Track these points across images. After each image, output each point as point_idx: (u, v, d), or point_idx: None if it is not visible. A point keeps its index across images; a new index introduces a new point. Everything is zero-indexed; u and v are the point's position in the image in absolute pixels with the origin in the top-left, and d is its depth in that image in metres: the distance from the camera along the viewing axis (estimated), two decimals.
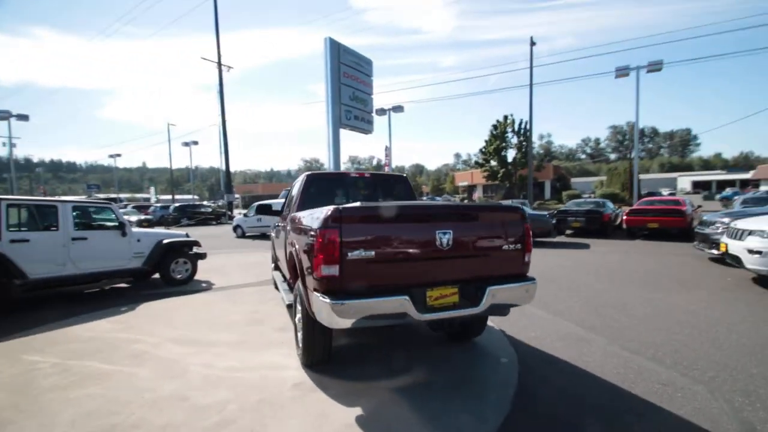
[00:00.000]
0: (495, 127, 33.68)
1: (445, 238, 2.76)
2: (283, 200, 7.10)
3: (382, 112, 22.48)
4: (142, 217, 22.30)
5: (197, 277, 7.42)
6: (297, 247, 3.22)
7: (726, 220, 7.58)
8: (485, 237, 2.95)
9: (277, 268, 6.24)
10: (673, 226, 11.74)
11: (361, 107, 20.74)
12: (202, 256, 7.67)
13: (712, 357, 3.46)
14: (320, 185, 4.61)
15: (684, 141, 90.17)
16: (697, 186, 63.28)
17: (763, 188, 37.41)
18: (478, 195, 43.49)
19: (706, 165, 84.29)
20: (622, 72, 17.24)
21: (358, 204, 2.66)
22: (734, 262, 6.10)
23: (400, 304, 2.59)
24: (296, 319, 3.53)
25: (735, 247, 5.97)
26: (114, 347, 3.92)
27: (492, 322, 4.31)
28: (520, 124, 32.76)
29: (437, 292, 2.78)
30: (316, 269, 2.60)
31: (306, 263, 2.89)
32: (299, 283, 3.30)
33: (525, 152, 32.08)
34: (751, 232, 5.68)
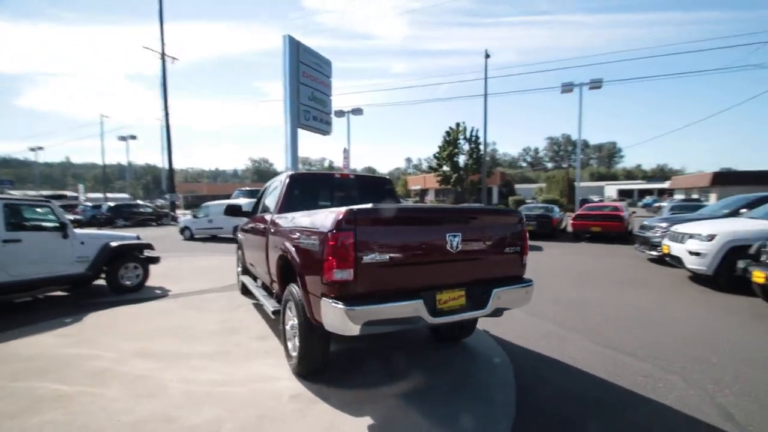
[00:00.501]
0: (448, 133, 34.75)
1: (455, 240, 2.75)
2: (245, 201, 6.70)
3: (340, 113, 22.22)
4: (71, 217, 20.02)
5: (148, 283, 6.76)
6: (293, 250, 3.03)
7: (664, 224, 8.42)
8: (490, 240, 2.98)
9: (246, 272, 5.88)
10: (613, 230, 12.85)
11: (320, 108, 20.42)
12: (155, 260, 7.01)
13: (677, 350, 3.78)
14: (304, 186, 4.41)
15: (611, 153, 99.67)
16: (622, 194, 70.01)
17: (677, 197, 42.36)
18: (430, 198, 44.58)
19: (629, 175, 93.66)
20: (567, 87, 18.73)
21: (370, 205, 2.55)
22: (675, 262, 6.78)
23: (414, 308, 2.53)
24: (287, 326, 3.32)
25: (676, 249, 6.64)
26: (66, 365, 3.43)
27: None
28: (471, 131, 34.13)
29: (446, 295, 2.75)
30: (327, 273, 2.45)
31: (310, 267, 2.72)
32: (293, 288, 3.11)
33: (476, 158, 33.46)
34: (691, 236, 6.36)
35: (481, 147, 34.28)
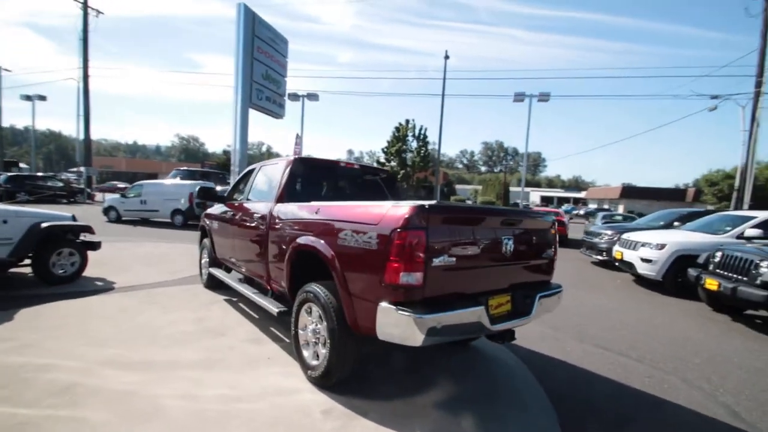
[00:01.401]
0: (397, 129, 34.96)
1: (509, 243, 2.63)
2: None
3: (295, 97, 21.05)
4: None
5: (84, 273, 5.74)
6: (327, 247, 2.68)
7: (609, 232, 9.27)
8: (532, 243, 2.92)
9: (216, 264, 5.25)
10: (559, 234, 13.91)
11: (274, 88, 19.24)
12: (95, 245, 5.97)
13: (659, 350, 4.11)
14: (308, 173, 3.99)
15: (536, 162, 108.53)
16: (544, 200, 76.65)
17: (591, 206, 47.47)
18: None
19: (550, 183, 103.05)
20: (518, 97, 19.92)
21: (434, 202, 2.32)
22: (627, 267, 7.47)
23: (478, 315, 2.37)
24: (307, 331, 2.96)
25: (629, 255, 7.31)
26: (14, 379, 2.70)
27: None
28: (420, 129, 34.72)
29: (496, 300, 2.63)
30: (391, 276, 2.18)
31: (359, 268, 2.42)
32: (317, 288, 2.77)
33: (424, 156, 34.15)
34: (643, 244, 7.04)
35: (429, 145, 35.23)
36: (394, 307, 2.17)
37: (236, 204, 4.71)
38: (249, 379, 2.93)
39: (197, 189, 5.11)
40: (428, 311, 2.17)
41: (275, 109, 20.61)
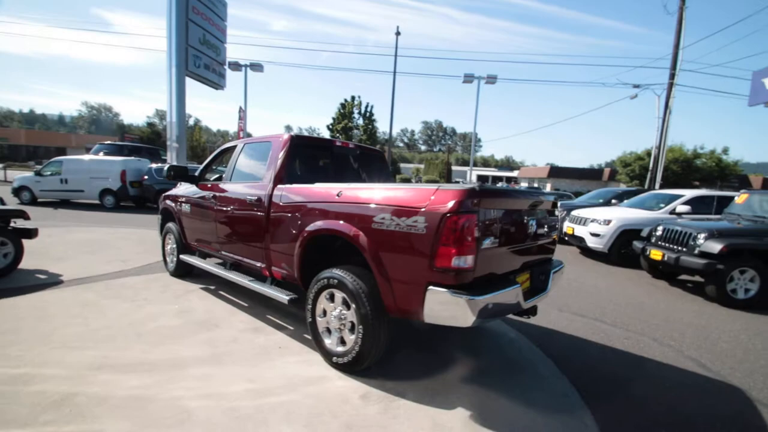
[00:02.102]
0: (343, 105, 34.15)
1: (533, 224, 2.75)
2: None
3: (236, 66, 19.32)
4: None
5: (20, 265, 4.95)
6: (360, 231, 2.57)
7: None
8: (545, 223, 3.07)
9: (188, 250, 4.82)
10: None
11: (213, 55, 17.64)
12: (31, 233, 5.13)
13: (624, 314, 4.64)
14: (305, 152, 3.75)
15: (471, 141, 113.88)
16: (480, 178, 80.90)
17: (523, 184, 51.03)
18: None
19: (485, 163, 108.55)
20: (468, 79, 20.44)
21: (481, 185, 2.32)
22: (577, 242, 8.22)
23: (516, 294, 2.46)
24: (331, 317, 2.85)
25: (579, 230, 8.04)
26: None
27: None
28: (366, 106, 34.27)
29: (520, 279, 2.75)
30: (442, 260, 2.17)
31: (404, 251, 2.36)
32: (341, 274, 2.68)
33: (371, 134, 33.91)
34: (592, 220, 7.77)
35: (375, 123, 35.01)
36: (448, 290, 2.17)
37: (215, 185, 4.31)
38: (267, 370, 2.78)
39: (166, 168, 4.54)
40: (478, 293, 2.21)
41: (215, 79, 19.03)
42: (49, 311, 3.68)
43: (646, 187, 19.87)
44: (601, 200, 10.21)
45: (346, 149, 4.16)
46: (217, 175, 5.19)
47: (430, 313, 2.27)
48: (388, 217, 2.42)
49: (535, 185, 47.46)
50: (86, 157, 13.64)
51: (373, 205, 2.54)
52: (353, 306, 2.67)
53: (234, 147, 4.40)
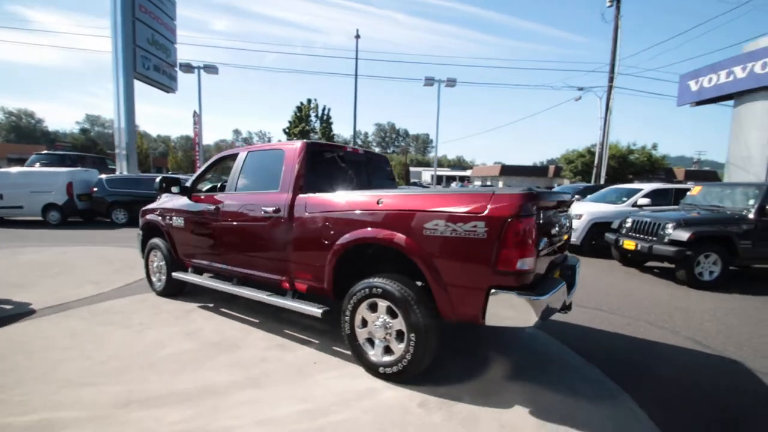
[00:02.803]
0: (299, 109, 33.47)
1: (566, 224, 2.89)
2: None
3: (188, 68, 18.02)
4: None
5: None
6: (407, 238, 2.55)
7: None
8: (568, 221, 3.24)
9: (179, 267, 4.49)
10: None
11: (163, 56, 16.74)
12: None
13: (614, 301, 5.00)
14: (320, 159, 3.64)
15: (425, 143, 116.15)
16: (434, 178, 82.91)
17: (476, 183, 53.08)
18: None
19: (438, 163, 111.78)
20: (428, 82, 20.90)
21: (532, 188, 2.40)
22: None
23: (563, 292, 2.56)
24: (375, 326, 2.79)
25: None
26: None
27: None
28: (323, 109, 33.86)
29: (556, 276, 2.88)
30: (506, 263, 2.22)
31: (462, 257, 2.38)
32: (384, 283, 2.65)
33: (329, 137, 33.52)
34: None
35: (333, 126, 34.64)
36: (514, 292, 2.22)
37: (215, 197, 4.06)
38: (313, 388, 2.67)
39: (158, 180, 4.18)
40: (539, 293, 2.28)
41: (165, 81, 18.11)
42: (36, 345, 3.26)
43: (592, 182, 21.51)
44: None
45: (355, 155, 4.10)
46: (209, 186, 4.90)
47: (493, 316, 2.31)
48: (442, 223, 2.43)
49: (488, 183, 49.57)
50: (16, 169, 12.18)
51: (422, 212, 2.53)
52: (400, 314, 2.64)
53: (233, 156, 4.18)
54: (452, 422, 2.32)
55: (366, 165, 4.22)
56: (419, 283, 2.69)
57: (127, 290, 5.02)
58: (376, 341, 2.82)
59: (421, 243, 2.52)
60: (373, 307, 2.81)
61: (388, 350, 2.78)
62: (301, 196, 3.28)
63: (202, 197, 4.23)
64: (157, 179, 4.30)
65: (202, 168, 4.50)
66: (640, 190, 8.34)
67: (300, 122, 33.09)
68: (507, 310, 2.27)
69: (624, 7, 18.81)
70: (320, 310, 3.09)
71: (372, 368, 2.82)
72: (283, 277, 3.41)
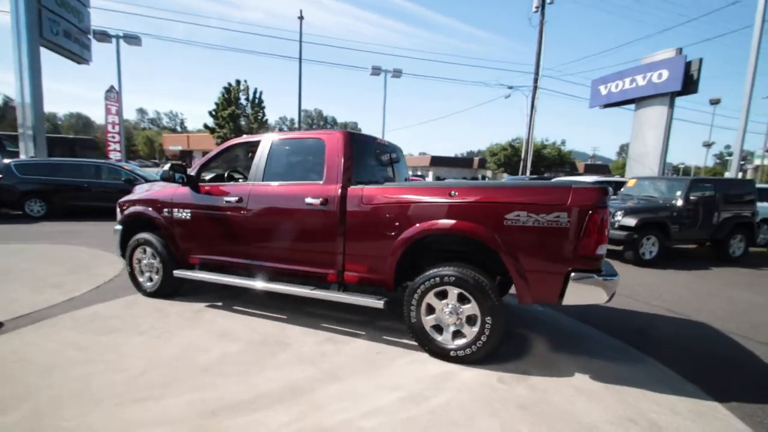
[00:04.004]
0: (227, 90, 31.08)
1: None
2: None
3: (104, 37, 15.27)
4: None
5: None
6: (489, 226, 2.72)
7: None
8: None
9: (183, 264, 4.11)
10: None
11: (75, 21, 14.48)
12: None
13: None
14: (359, 149, 3.58)
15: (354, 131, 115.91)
16: None
17: (408, 173, 54.65)
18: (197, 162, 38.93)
19: None
20: (375, 72, 20.80)
21: (603, 183, 2.72)
22: None
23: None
24: (441, 314, 2.92)
25: None
26: None
27: None
28: (254, 92, 31.91)
29: None
30: (589, 249, 2.52)
31: (544, 245, 2.62)
32: (457, 271, 2.81)
33: (262, 122, 31.77)
34: None
35: (265, 110, 32.82)
36: (594, 274, 2.53)
37: (235, 187, 3.78)
38: (396, 377, 2.73)
39: (167, 167, 3.67)
40: (611, 274, 2.62)
41: (76, 50, 15.77)
42: (41, 362, 2.77)
43: (519, 174, 23.66)
44: None
45: (383, 146, 4.11)
46: (211, 175, 4.49)
47: (571, 296, 2.60)
48: (524, 214, 2.64)
49: (418, 173, 51.48)
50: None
51: (503, 204, 2.71)
52: (474, 300, 2.81)
53: (251, 144, 3.91)
54: (536, 392, 2.57)
55: (390, 156, 4.25)
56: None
57: (103, 293, 4.40)
58: (445, 327, 2.96)
59: (502, 232, 2.70)
60: (442, 295, 2.94)
61: (458, 334, 2.94)
62: (354, 187, 3.23)
63: (216, 187, 3.89)
64: (166, 167, 3.83)
65: (210, 156, 4.11)
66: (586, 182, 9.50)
67: (229, 105, 30.82)
68: (585, 291, 2.58)
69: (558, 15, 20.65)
70: (381, 302, 3.12)
71: (440, 353, 2.96)
72: (330, 270, 3.35)
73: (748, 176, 37.12)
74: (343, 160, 3.33)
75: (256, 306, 4.09)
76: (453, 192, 2.88)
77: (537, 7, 21.57)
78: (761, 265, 7.41)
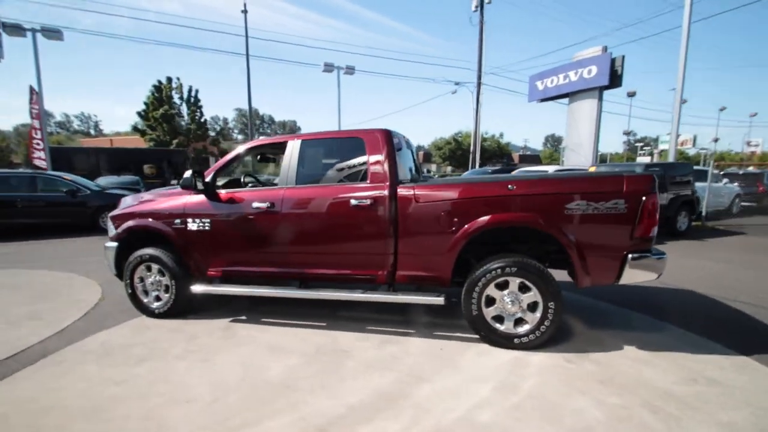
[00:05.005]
0: (157, 89, 28.49)
1: None
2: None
3: (18, 31, 12.81)
4: None
5: None
6: (552, 216, 2.88)
7: None
8: None
9: (201, 278, 3.79)
10: None
11: None
12: None
13: None
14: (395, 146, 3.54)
15: (293, 131, 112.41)
16: None
17: None
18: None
19: None
20: (328, 68, 20.28)
21: (652, 171, 2.98)
22: None
23: None
24: (502, 304, 3.03)
25: None
26: None
27: None
28: (189, 91, 29.66)
29: None
30: (645, 231, 2.77)
31: (603, 230, 2.84)
32: (524, 262, 2.95)
33: (200, 123, 29.68)
34: None
35: (202, 110, 30.61)
36: (649, 255, 2.79)
37: (263, 192, 3.55)
38: (476, 370, 2.79)
39: (188, 174, 3.27)
40: (661, 253, 2.90)
41: None
42: (82, 405, 2.41)
43: (470, 167, 24.77)
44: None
45: (407, 142, 4.10)
46: (224, 181, 4.15)
47: (628, 276, 2.84)
48: (584, 203, 2.82)
49: None
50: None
51: (563, 195, 2.87)
52: (535, 288, 2.96)
53: (278, 145, 3.70)
54: (603, 367, 2.79)
55: (411, 150, 4.26)
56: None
57: (97, 320, 3.88)
58: (506, 316, 3.07)
59: (563, 221, 2.87)
60: (502, 286, 3.05)
61: (518, 322, 3.07)
62: (404, 186, 3.21)
63: (240, 194, 3.63)
64: (188, 174, 3.47)
65: (225, 161, 3.79)
66: (546, 171, 10.26)
67: (161, 104, 28.34)
68: (641, 271, 2.83)
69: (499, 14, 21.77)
70: (442, 299, 3.15)
71: (502, 342, 3.07)
72: (380, 271, 3.30)
73: (655, 160, 42.59)
74: (387, 159, 3.28)
75: (284, 316, 3.89)
76: (511, 186, 2.99)
77: (476, 7, 22.54)
78: (703, 236, 8.61)
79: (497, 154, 40.52)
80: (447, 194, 3.12)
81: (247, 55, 16.78)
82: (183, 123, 28.97)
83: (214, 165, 3.78)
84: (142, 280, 3.92)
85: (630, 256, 2.82)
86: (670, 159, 11.49)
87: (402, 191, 3.19)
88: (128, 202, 4.15)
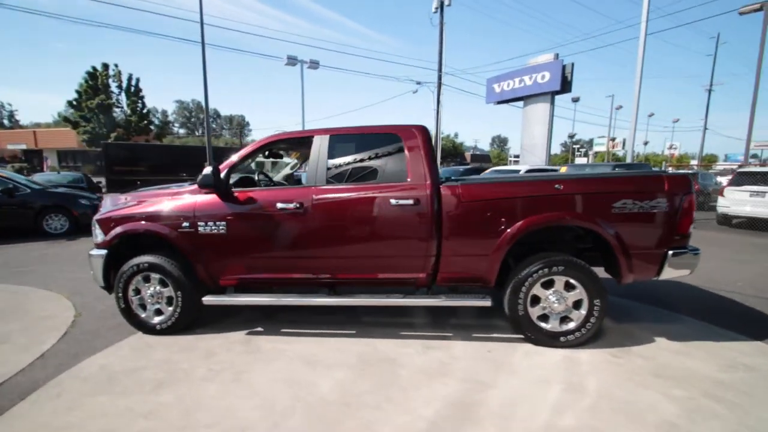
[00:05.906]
0: (92, 76, 25.69)
1: None
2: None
3: None
4: None
5: None
6: (598, 215, 2.91)
7: None
8: None
9: (213, 288, 3.43)
10: None
11: None
12: None
13: None
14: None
15: (241, 126, 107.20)
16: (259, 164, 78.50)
17: None
18: (50, 164, 31.32)
19: None
20: (291, 61, 19.41)
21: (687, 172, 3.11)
22: None
23: None
24: (548, 303, 3.03)
25: None
26: None
27: None
28: (129, 79, 27.12)
29: None
30: (684, 228, 2.90)
31: (644, 227, 2.93)
32: (570, 259, 2.97)
33: (141, 115, 27.26)
34: None
35: (144, 100, 28.17)
36: (687, 251, 2.92)
37: (290, 192, 3.26)
38: (528, 370, 2.76)
39: (208, 171, 2.83)
40: (694, 251, 3.04)
41: None
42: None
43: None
44: (454, 177, 12.67)
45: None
46: (236, 178, 3.76)
47: (668, 271, 2.95)
48: (630, 201, 2.89)
49: None
50: None
51: (611, 194, 2.91)
52: (581, 286, 2.99)
53: (303, 140, 3.41)
54: (649, 360, 2.88)
55: None
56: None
57: (83, 342, 3.34)
58: (552, 315, 3.08)
59: (611, 219, 2.92)
60: (548, 285, 3.04)
61: (563, 320, 3.09)
62: (448, 185, 3.09)
63: (261, 193, 3.30)
64: (207, 171, 3.05)
65: (241, 155, 3.41)
66: (518, 171, 10.65)
67: (96, 93, 25.66)
68: (680, 266, 2.96)
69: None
70: (489, 301, 3.09)
71: (548, 340, 3.07)
72: (420, 274, 3.16)
73: (591, 160, 46.26)
74: (428, 157, 3.15)
75: (305, 325, 3.61)
76: (558, 185, 2.99)
77: (436, 8, 22.90)
78: None
79: (452, 153, 41.69)
80: (494, 194, 3.05)
81: (203, 42, 15.60)
82: (123, 114, 26.43)
83: (227, 161, 3.40)
84: (137, 292, 3.44)
85: (670, 252, 2.94)
86: (628, 160, 12.48)
87: (446, 190, 3.07)
88: (118, 202, 3.62)
